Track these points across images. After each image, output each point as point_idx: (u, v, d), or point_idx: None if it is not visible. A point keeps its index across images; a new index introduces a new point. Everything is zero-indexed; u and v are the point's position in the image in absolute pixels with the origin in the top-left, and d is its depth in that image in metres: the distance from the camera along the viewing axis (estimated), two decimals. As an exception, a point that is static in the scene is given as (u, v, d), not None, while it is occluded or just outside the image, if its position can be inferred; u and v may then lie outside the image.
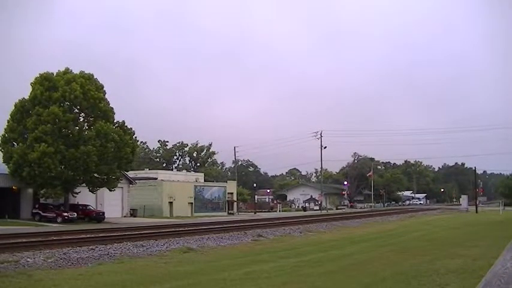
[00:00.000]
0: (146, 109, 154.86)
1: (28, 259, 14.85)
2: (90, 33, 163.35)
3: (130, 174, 54.85)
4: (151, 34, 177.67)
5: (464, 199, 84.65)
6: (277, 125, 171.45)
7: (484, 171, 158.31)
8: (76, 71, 41.83)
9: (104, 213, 43.41)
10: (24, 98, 40.42)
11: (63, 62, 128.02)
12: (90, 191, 43.12)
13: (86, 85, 40.06)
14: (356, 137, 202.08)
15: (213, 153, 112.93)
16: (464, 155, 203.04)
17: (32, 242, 19.60)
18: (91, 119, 41.74)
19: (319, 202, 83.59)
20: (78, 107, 40.80)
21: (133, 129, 43.94)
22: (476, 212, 67.16)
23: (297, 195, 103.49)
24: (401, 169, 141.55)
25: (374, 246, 20.70)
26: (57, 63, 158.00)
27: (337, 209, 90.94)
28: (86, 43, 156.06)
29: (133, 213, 52.09)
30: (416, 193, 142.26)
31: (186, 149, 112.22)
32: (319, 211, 74.43)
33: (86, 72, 41.94)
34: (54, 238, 21.81)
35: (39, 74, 40.73)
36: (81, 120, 41.95)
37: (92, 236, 23.30)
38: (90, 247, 18.30)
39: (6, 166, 39.85)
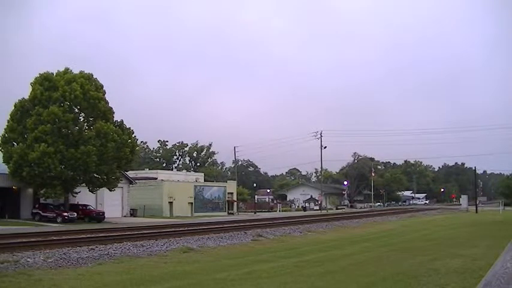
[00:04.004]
0: (146, 109, 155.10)
1: (28, 259, 14.81)
2: (87, 33, 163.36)
3: (131, 174, 54.86)
4: (148, 34, 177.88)
5: (464, 199, 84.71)
6: (277, 125, 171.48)
7: (484, 171, 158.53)
8: (71, 71, 41.80)
9: (104, 213, 43.39)
10: (24, 98, 40.42)
11: (60, 62, 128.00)
12: (90, 191, 43.10)
13: (85, 85, 40.04)
14: (356, 137, 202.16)
15: (213, 153, 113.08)
16: (464, 155, 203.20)
17: (32, 242, 19.55)
18: (91, 119, 41.73)
19: (319, 202, 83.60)
20: (78, 107, 40.78)
21: (132, 129, 44.01)
22: (476, 212, 67.18)
23: (297, 195, 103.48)
24: (401, 169, 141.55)
25: (374, 246, 20.71)
26: (52, 63, 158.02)
27: (337, 209, 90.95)
28: (82, 43, 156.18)
29: (133, 213, 52.08)
30: (417, 193, 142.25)
31: (186, 149, 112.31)
32: (319, 211, 74.43)
33: (85, 72, 41.95)
34: (54, 238, 21.77)
35: (39, 74, 40.73)
36: (81, 120, 41.94)
37: (92, 236, 23.23)
38: (90, 247, 18.26)
39: (6, 166, 39.83)
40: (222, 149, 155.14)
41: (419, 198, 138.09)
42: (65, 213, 39.45)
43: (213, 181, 79.56)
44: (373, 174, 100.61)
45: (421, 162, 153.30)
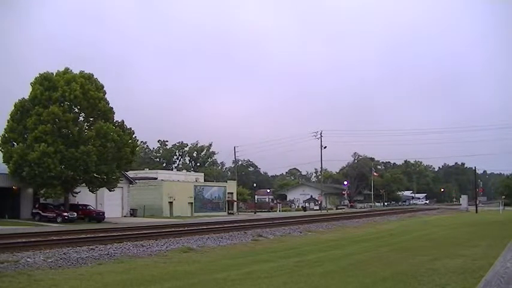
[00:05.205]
0: (146, 109, 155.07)
1: (28, 259, 14.81)
2: (87, 33, 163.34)
3: (131, 174, 54.85)
4: (148, 33, 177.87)
5: (464, 199, 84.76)
6: (277, 125, 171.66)
7: (484, 171, 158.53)
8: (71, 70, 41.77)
9: (103, 213, 43.41)
10: (24, 98, 40.43)
11: (60, 61, 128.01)
12: (90, 191, 43.11)
13: (85, 85, 40.06)
14: (356, 137, 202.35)
15: (213, 153, 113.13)
16: (464, 155, 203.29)
17: (32, 242, 19.56)
18: (91, 118, 41.75)
19: (319, 202, 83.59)
20: (78, 107, 40.81)
21: (132, 129, 44.03)
22: (476, 211, 67.19)
23: (297, 195, 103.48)
24: (401, 169, 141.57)
25: (374, 246, 20.69)
26: (53, 63, 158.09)
27: (337, 209, 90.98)
28: (83, 43, 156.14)
29: (133, 213, 52.07)
30: (417, 193, 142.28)
31: (186, 149, 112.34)
32: (319, 211, 74.43)
33: (85, 72, 41.95)
34: (54, 238, 21.77)
35: (39, 73, 40.75)
36: (81, 120, 41.95)
37: (92, 236, 23.25)
38: (90, 247, 18.26)
39: (6, 166, 39.84)
40: (222, 149, 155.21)
41: (419, 198, 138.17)
42: (65, 213, 39.46)
43: (213, 181, 79.56)
44: (375, 174, 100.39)
45: (421, 162, 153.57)
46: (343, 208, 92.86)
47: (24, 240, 20.42)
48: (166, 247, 19.44)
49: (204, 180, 73.61)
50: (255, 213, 69.84)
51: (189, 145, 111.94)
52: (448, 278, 11.59)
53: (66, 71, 41.26)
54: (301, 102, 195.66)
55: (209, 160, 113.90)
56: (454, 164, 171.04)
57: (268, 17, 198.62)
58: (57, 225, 35.70)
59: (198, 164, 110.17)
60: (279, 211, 77.72)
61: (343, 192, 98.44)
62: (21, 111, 39.86)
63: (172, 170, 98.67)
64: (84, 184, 41.81)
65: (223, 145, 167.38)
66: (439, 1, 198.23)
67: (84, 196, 43.43)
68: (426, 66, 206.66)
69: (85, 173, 39.77)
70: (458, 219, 46.92)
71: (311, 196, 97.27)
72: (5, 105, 73.95)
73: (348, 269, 13.53)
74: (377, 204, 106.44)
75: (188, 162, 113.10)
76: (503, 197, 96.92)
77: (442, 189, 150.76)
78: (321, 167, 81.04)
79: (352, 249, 19.53)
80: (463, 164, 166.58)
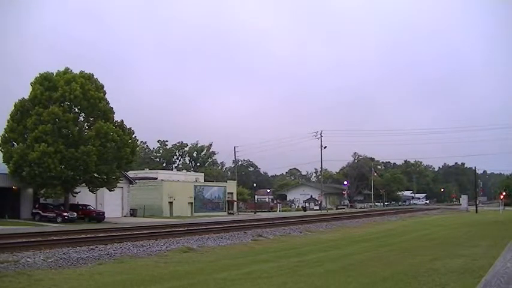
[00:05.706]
0: (146, 109, 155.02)
1: (28, 259, 14.82)
2: (87, 33, 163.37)
3: (131, 174, 54.85)
4: (148, 33, 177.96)
5: (464, 199, 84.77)
6: (277, 125, 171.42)
7: (484, 171, 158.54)
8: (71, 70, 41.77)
9: (104, 213, 43.40)
10: (24, 98, 40.43)
11: (60, 62, 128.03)
12: (90, 191, 43.12)
13: (85, 85, 40.08)
14: (356, 137, 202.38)
15: (213, 153, 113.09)
16: (464, 155, 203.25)
17: (32, 242, 19.56)
18: (91, 118, 41.75)
19: (319, 202, 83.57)
20: (78, 107, 40.82)
21: (132, 129, 44.03)
22: (476, 212, 67.21)
23: (297, 195, 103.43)
24: (401, 169, 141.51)
25: (374, 246, 20.69)
26: (53, 63, 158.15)
27: (337, 209, 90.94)
28: (83, 43, 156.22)
29: (133, 213, 52.07)
30: (417, 193, 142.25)
31: (186, 149, 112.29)
32: (319, 211, 74.42)
33: (85, 72, 41.95)
34: (54, 238, 21.78)
35: (39, 74, 40.78)
36: (81, 120, 41.95)
37: (92, 236, 23.25)
38: (90, 247, 18.26)
39: (6, 166, 39.84)
40: (222, 149, 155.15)
41: (419, 198, 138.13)
42: (65, 213, 39.47)
43: (213, 181, 79.53)
44: (374, 174, 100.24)
45: (421, 162, 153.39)
46: (343, 208, 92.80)
47: (24, 240, 20.42)
48: (167, 247, 19.44)
49: (204, 180, 73.59)
50: (255, 213, 69.82)
51: (189, 145, 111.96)
52: (448, 278, 11.59)
53: (66, 71, 41.27)
54: (301, 102, 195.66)
55: (209, 160, 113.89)
56: (454, 164, 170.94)
57: (268, 17, 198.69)
58: (57, 225, 35.71)
59: (198, 164, 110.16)
60: (279, 211, 77.70)
61: (343, 192, 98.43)
62: (21, 111, 39.86)
63: (172, 170, 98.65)
64: (84, 184, 41.81)
65: (223, 145, 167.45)
66: (439, 1, 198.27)
67: (84, 196, 43.42)
68: (426, 66, 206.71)
69: (85, 173, 39.77)
70: (458, 219, 46.92)
71: (311, 196, 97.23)
72: (5, 105, 74.06)
73: (348, 269, 13.53)
74: (377, 204, 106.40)
75: (188, 162, 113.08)
76: (502, 196, 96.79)
77: (442, 189, 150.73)
78: (321, 167, 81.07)
79: (352, 249, 19.53)
80: (463, 164, 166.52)
